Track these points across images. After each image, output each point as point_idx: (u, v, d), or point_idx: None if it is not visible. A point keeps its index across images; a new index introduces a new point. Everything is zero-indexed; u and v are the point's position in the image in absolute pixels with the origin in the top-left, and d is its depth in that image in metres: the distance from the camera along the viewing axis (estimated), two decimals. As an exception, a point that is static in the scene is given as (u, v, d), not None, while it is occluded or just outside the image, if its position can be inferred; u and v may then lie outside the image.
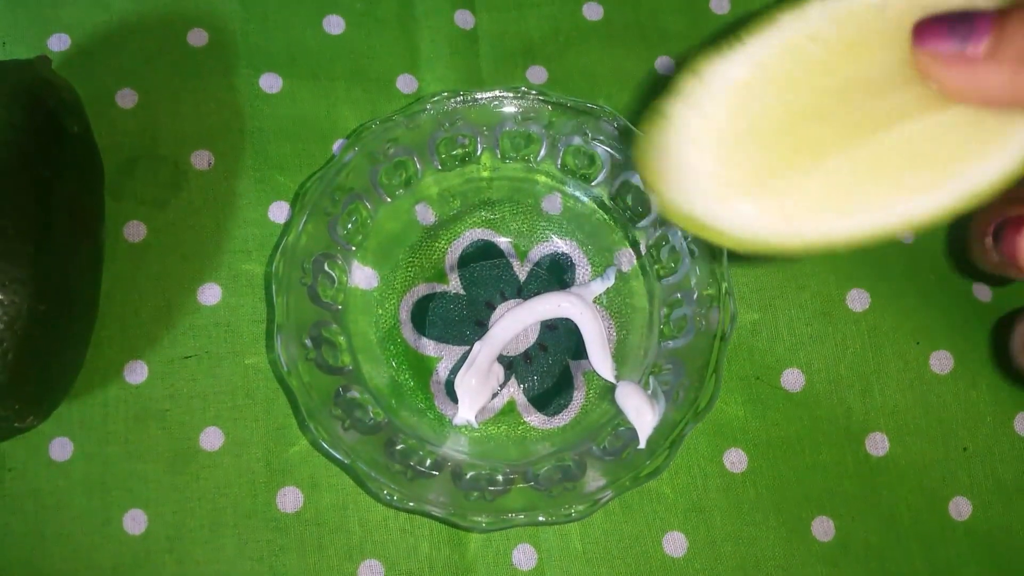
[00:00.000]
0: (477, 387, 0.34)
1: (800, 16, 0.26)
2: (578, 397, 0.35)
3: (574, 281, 0.36)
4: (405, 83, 0.39)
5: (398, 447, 0.32)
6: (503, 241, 0.37)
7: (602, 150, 0.35)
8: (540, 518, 0.30)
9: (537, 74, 0.39)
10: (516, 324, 0.35)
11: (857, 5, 0.26)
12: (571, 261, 0.37)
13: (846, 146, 0.26)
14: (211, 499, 0.34)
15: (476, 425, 0.34)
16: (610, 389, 0.34)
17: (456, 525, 0.32)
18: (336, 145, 0.38)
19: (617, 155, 0.35)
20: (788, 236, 0.26)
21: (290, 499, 0.34)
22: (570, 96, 0.34)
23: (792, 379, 0.36)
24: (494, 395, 0.35)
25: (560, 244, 0.37)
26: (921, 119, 0.25)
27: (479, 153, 0.36)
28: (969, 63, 0.24)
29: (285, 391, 0.35)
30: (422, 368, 0.35)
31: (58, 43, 0.38)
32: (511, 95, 0.34)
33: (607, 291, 0.36)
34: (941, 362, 0.36)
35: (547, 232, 0.37)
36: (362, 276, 0.35)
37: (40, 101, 0.32)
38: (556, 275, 0.36)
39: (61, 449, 0.34)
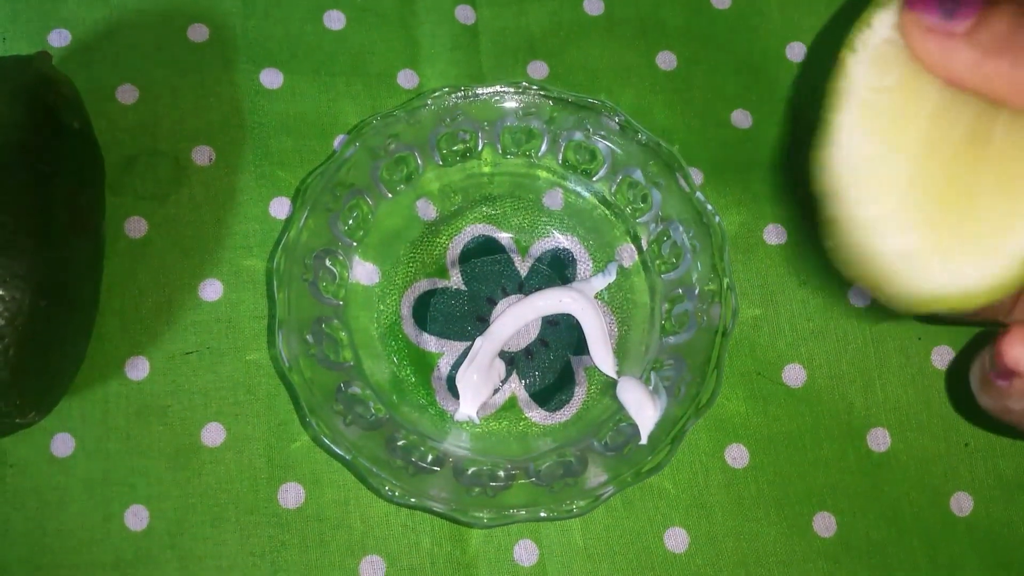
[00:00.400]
0: (478, 383, 0.34)
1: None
2: (579, 393, 0.35)
3: (575, 277, 0.36)
4: (406, 78, 0.39)
5: (399, 443, 0.32)
6: (504, 237, 0.37)
7: (603, 145, 0.35)
8: (541, 514, 0.30)
9: (538, 69, 0.39)
10: (517, 320, 0.35)
11: None
12: (572, 256, 0.37)
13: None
14: (213, 495, 0.34)
15: (477, 421, 0.34)
16: (611, 385, 0.34)
17: (457, 521, 0.32)
18: (337, 141, 0.38)
19: (618, 150, 0.34)
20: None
21: (292, 495, 0.34)
22: (571, 91, 0.34)
23: (794, 375, 0.36)
24: (495, 391, 0.35)
25: (561, 239, 0.37)
26: None
27: (480, 148, 0.36)
28: (946, 37, 0.25)
29: (286, 387, 0.35)
30: (423, 364, 0.35)
31: (58, 39, 0.38)
32: (512, 90, 0.34)
33: (608, 287, 0.36)
34: (943, 357, 0.36)
35: (548, 227, 0.37)
36: (363, 272, 0.35)
37: (40, 97, 0.32)
38: (557, 271, 0.36)
39: (62, 445, 0.34)
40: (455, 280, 0.36)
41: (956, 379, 0.36)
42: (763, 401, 0.36)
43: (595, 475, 0.31)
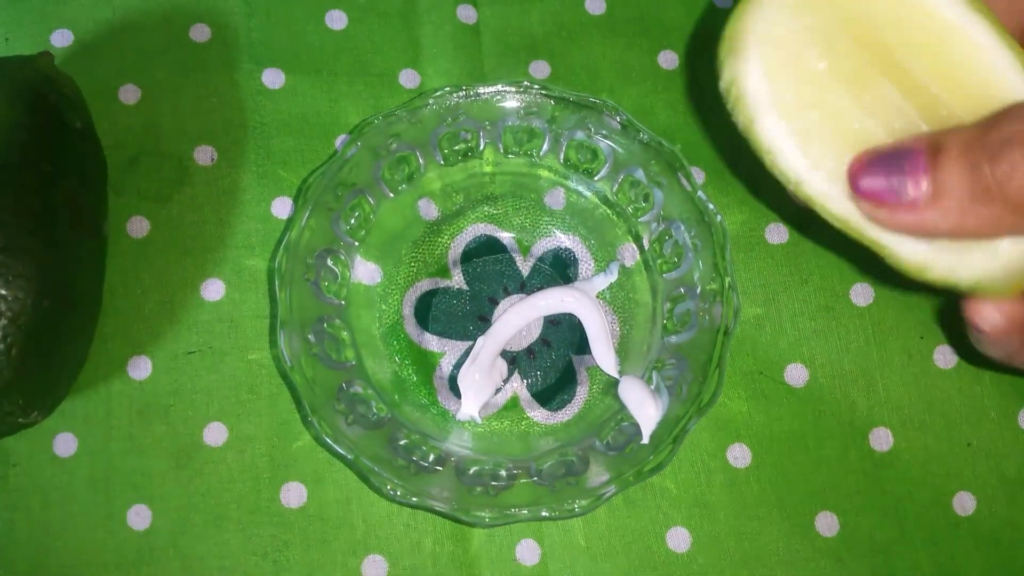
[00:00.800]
0: (480, 382, 0.34)
1: None
2: (581, 392, 0.35)
3: (577, 276, 0.36)
4: (407, 78, 0.39)
5: (401, 442, 0.32)
6: (506, 236, 0.37)
7: (605, 144, 0.35)
8: (543, 513, 0.30)
9: (540, 68, 0.39)
10: (519, 319, 0.35)
11: None
12: (574, 256, 0.37)
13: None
14: (215, 494, 0.34)
15: (479, 420, 0.34)
16: (613, 384, 0.34)
17: (459, 520, 0.32)
18: (339, 140, 0.38)
19: (620, 150, 0.34)
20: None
21: (294, 494, 0.34)
22: (573, 90, 0.34)
23: (795, 374, 0.36)
24: (497, 390, 0.35)
25: (563, 239, 0.37)
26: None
27: (482, 148, 0.36)
28: (911, 208, 0.25)
29: (288, 386, 0.35)
30: (425, 363, 0.35)
31: (61, 39, 0.38)
32: (514, 90, 0.34)
33: (610, 286, 0.36)
34: (945, 357, 0.36)
35: (550, 227, 0.37)
36: (365, 271, 0.35)
37: (43, 97, 0.32)
38: (559, 270, 0.36)
39: (65, 445, 0.34)
40: (457, 280, 0.36)
41: (959, 378, 0.36)
42: (765, 400, 0.36)
43: (597, 474, 0.31)
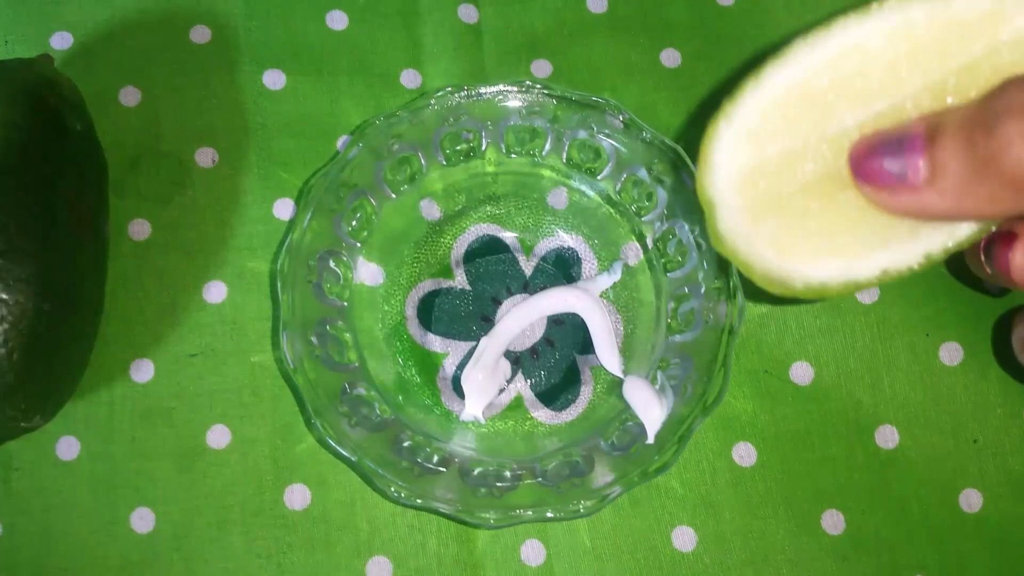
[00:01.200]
0: (484, 383, 0.34)
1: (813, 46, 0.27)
2: (585, 392, 0.35)
3: (580, 276, 0.36)
4: (409, 78, 0.39)
5: (405, 444, 0.32)
6: (509, 236, 0.37)
7: (608, 144, 0.35)
8: (548, 514, 0.30)
9: (541, 68, 0.39)
10: (522, 319, 0.35)
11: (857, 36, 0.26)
12: (577, 255, 0.36)
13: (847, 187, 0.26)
14: (218, 497, 0.34)
15: (483, 421, 0.34)
16: (618, 384, 0.34)
17: (464, 522, 0.32)
18: (340, 141, 0.38)
19: (623, 148, 0.34)
20: (789, 276, 0.27)
21: (297, 496, 0.34)
22: (575, 90, 0.34)
23: (801, 372, 0.36)
24: (501, 391, 0.35)
25: (566, 238, 0.37)
26: None
27: (484, 148, 0.35)
28: (911, 191, 0.24)
29: (291, 388, 0.34)
30: (428, 364, 0.35)
31: (60, 41, 0.38)
32: (515, 89, 0.34)
33: (614, 285, 0.36)
34: (951, 354, 0.36)
35: (553, 227, 0.37)
36: (367, 273, 0.35)
37: (43, 99, 0.32)
38: (562, 270, 0.36)
39: (67, 448, 0.34)
40: (460, 280, 0.36)
41: (965, 375, 0.36)
42: (770, 399, 0.35)
43: (602, 475, 0.31)
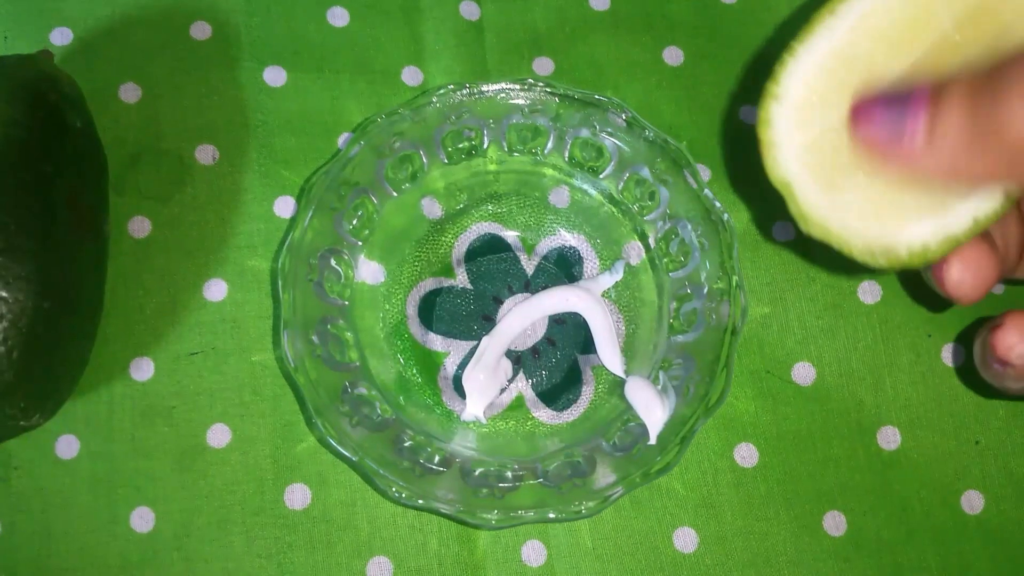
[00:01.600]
0: (485, 382, 0.34)
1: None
2: (587, 392, 0.35)
3: (582, 275, 0.36)
4: (410, 75, 0.38)
5: (406, 444, 0.32)
6: (510, 235, 0.36)
7: (610, 142, 0.34)
8: (550, 515, 0.30)
9: (544, 65, 0.39)
10: (524, 318, 0.35)
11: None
12: (579, 255, 0.36)
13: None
14: (219, 496, 0.33)
15: (484, 421, 0.34)
16: (619, 384, 0.34)
17: (465, 522, 0.32)
18: (341, 139, 0.37)
19: (625, 147, 0.34)
20: (892, 244, 0.27)
21: (298, 496, 0.34)
22: (577, 88, 0.34)
23: (803, 373, 0.36)
24: (502, 390, 0.35)
25: (568, 237, 0.36)
26: None
27: (485, 146, 0.35)
28: (909, 147, 0.25)
29: (292, 388, 0.34)
30: (429, 363, 0.35)
31: (60, 37, 0.38)
32: (517, 87, 0.34)
33: (616, 285, 0.36)
34: (953, 355, 0.36)
35: (555, 225, 0.37)
36: (368, 271, 0.35)
37: (42, 96, 0.32)
38: (564, 269, 0.36)
39: (67, 447, 0.34)
40: (461, 279, 0.36)
41: (967, 377, 0.36)
42: (772, 400, 0.35)
43: (603, 476, 0.31)
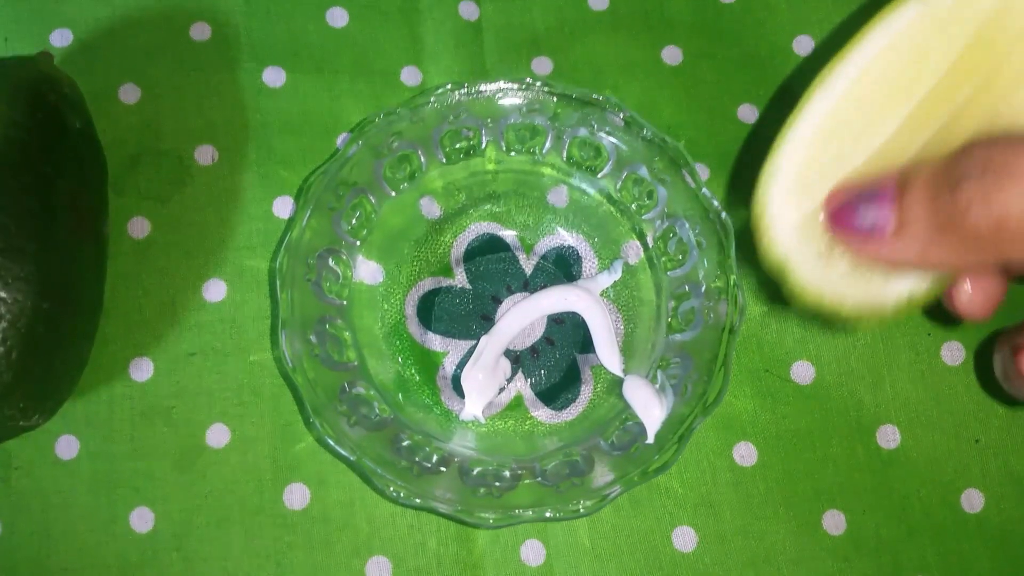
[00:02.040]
0: (484, 382, 0.34)
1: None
2: (586, 391, 0.35)
3: (581, 274, 0.36)
4: (409, 75, 0.38)
5: (404, 443, 0.32)
6: (509, 234, 0.36)
7: (608, 142, 0.34)
8: (548, 514, 0.30)
9: (542, 65, 0.39)
10: (522, 318, 0.35)
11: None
12: (577, 254, 0.36)
13: None
14: (218, 496, 0.33)
15: (483, 420, 0.34)
16: (618, 383, 0.34)
17: (463, 522, 0.32)
18: (340, 139, 0.37)
19: (623, 146, 0.34)
20: (878, 300, 0.28)
21: (297, 496, 0.34)
22: (576, 87, 0.34)
23: (802, 372, 0.36)
24: (501, 390, 0.35)
25: (566, 237, 0.36)
26: None
27: (484, 146, 0.35)
28: (880, 241, 0.26)
29: (290, 388, 0.34)
30: (428, 363, 0.35)
31: (60, 38, 0.38)
32: (516, 87, 0.34)
33: (614, 284, 0.36)
34: (953, 353, 0.36)
35: (553, 225, 0.37)
36: (367, 271, 0.35)
37: (42, 97, 0.32)
38: (563, 268, 0.36)
39: (67, 447, 0.34)
40: (460, 278, 0.36)
41: (966, 375, 0.36)
42: (771, 399, 0.35)
43: (602, 475, 0.31)
